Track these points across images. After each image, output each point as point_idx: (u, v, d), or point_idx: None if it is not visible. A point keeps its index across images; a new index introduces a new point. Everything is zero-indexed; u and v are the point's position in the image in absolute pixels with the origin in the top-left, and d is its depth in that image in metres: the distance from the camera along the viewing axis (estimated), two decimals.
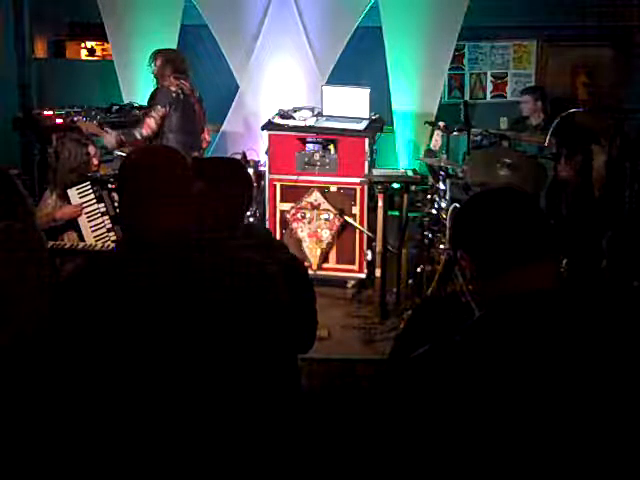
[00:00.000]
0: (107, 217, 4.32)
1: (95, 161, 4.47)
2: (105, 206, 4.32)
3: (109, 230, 4.30)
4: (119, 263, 1.79)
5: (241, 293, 1.78)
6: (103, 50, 7.66)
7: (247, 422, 1.75)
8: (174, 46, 6.85)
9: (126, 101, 6.55)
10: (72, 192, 4.29)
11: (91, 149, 4.45)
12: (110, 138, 5.32)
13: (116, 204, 4.21)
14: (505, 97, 7.66)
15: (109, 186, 4.30)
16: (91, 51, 7.73)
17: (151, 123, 5.30)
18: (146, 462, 1.70)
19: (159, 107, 5.32)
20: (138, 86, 6.87)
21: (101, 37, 7.33)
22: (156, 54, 5.47)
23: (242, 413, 1.75)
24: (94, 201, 4.31)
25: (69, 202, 4.30)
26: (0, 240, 2.54)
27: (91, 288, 1.73)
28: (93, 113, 5.84)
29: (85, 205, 4.30)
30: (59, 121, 5.69)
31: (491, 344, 1.37)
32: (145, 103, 6.25)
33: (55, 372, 1.78)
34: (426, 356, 1.41)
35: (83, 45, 7.72)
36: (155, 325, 1.70)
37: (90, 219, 4.30)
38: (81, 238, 4.30)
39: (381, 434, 1.42)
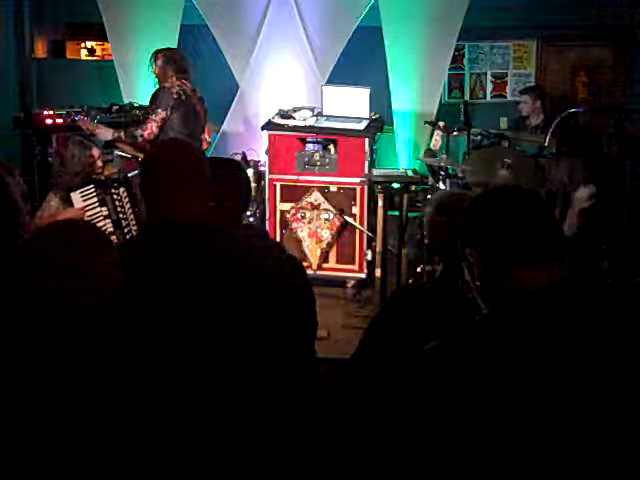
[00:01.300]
0: (109, 220, 4.32)
1: (100, 163, 4.46)
2: (107, 210, 4.32)
3: (111, 233, 4.30)
4: (142, 248, 1.82)
5: (252, 277, 1.80)
6: (103, 50, 7.65)
7: (252, 411, 1.76)
8: (174, 46, 6.86)
9: (126, 101, 6.55)
10: (75, 195, 4.29)
11: (95, 151, 4.44)
12: (105, 133, 5.33)
13: (119, 209, 4.21)
14: (505, 97, 7.66)
15: (112, 190, 4.29)
16: (91, 51, 7.72)
17: (153, 127, 5.28)
18: (154, 456, 1.70)
19: (160, 110, 5.30)
20: (138, 86, 6.87)
21: (101, 37, 7.33)
22: (157, 53, 5.45)
23: (247, 400, 1.75)
24: (97, 204, 4.31)
25: (72, 205, 4.30)
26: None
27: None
28: (93, 113, 5.84)
29: (88, 208, 4.30)
30: (59, 121, 5.68)
31: (500, 341, 1.38)
32: (145, 103, 6.26)
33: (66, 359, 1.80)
34: (435, 352, 1.42)
35: (83, 45, 7.71)
36: (173, 309, 1.71)
37: (92, 222, 4.30)
38: None
39: (387, 429, 1.42)
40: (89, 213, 4.31)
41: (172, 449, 1.71)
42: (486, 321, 1.45)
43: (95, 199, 4.32)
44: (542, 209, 1.53)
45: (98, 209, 4.32)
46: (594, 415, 1.34)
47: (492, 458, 1.32)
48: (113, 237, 4.29)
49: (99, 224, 4.31)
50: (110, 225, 4.32)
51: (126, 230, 4.15)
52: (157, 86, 5.51)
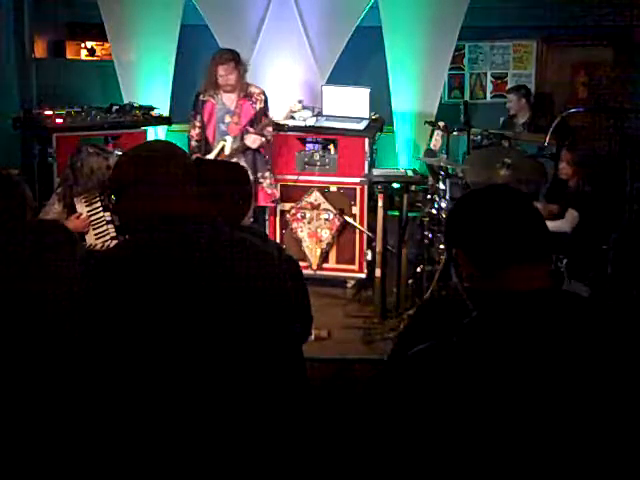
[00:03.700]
0: (112, 226, 4.32)
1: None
2: (111, 215, 4.32)
3: (112, 238, 4.30)
4: (141, 245, 1.81)
5: (245, 274, 1.80)
6: (103, 50, 7.65)
7: (250, 409, 1.76)
8: (174, 46, 6.87)
9: (126, 101, 6.53)
10: (79, 200, 4.30)
11: (111, 160, 4.36)
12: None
13: None
14: (505, 97, 7.66)
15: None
16: (91, 51, 7.72)
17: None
18: (150, 453, 1.70)
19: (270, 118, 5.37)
20: (138, 86, 6.88)
21: (101, 37, 7.33)
22: (236, 60, 5.35)
23: (241, 398, 1.75)
24: (100, 209, 4.31)
25: (75, 210, 4.29)
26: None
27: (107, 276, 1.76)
28: (93, 113, 5.84)
29: (91, 213, 4.30)
30: (59, 121, 5.68)
31: (488, 344, 1.37)
32: (145, 103, 6.26)
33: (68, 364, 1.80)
34: (423, 355, 1.41)
35: (83, 45, 7.71)
36: (166, 310, 1.71)
37: (95, 227, 4.30)
38: (81, 239, 4.31)
39: (377, 432, 1.42)
40: (92, 218, 4.31)
41: (165, 448, 1.71)
42: (475, 324, 1.43)
43: (99, 204, 4.32)
44: (529, 209, 1.50)
45: (101, 214, 4.32)
46: (585, 419, 1.33)
47: (483, 461, 1.32)
48: (115, 242, 4.28)
49: (101, 228, 4.31)
50: (112, 230, 4.32)
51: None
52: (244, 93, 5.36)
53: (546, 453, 1.31)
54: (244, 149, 5.22)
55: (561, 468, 1.31)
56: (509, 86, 7.65)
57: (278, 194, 5.54)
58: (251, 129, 5.24)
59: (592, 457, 1.32)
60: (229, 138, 5.24)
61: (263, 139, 5.24)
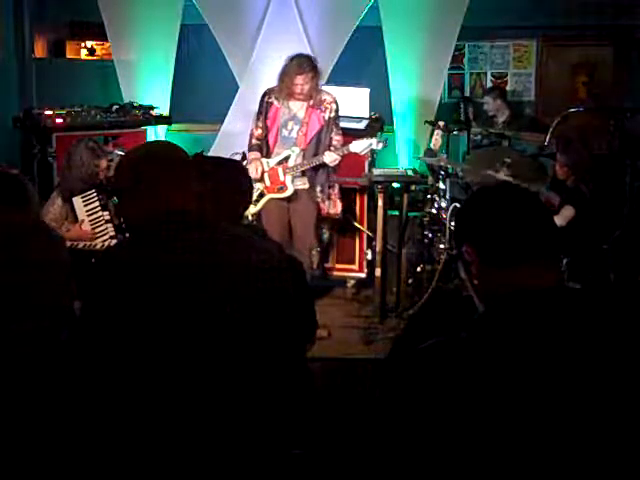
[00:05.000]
0: (111, 225, 4.32)
1: (102, 175, 4.34)
2: (109, 214, 4.32)
3: (112, 237, 4.31)
4: (130, 250, 1.82)
5: (250, 275, 1.80)
6: (103, 50, 7.65)
7: (249, 408, 1.76)
8: (174, 45, 6.87)
9: (126, 101, 6.55)
10: (77, 200, 4.29)
11: (103, 163, 4.34)
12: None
13: None
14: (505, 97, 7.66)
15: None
16: (91, 51, 7.71)
17: None
18: (150, 455, 1.70)
19: None
20: (138, 86, 6.88)
21: (101, 37, 7.33)
22: (315, 69, 4.87)
23: (243, 398, 1.75)
24: (99, 209, 4.31)
25: (73, 208, 4.30)
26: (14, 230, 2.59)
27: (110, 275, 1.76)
28: (93, 113, 5.84)
29: (90, 212, 4.30)
30: (59, 121, 5.69)
31: (497, 341, 1.37)
32: (145, 102, 6.26)
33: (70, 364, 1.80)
34: (431, 351, 1.41)
35: (83, 45, 7.71)
36: (166, 310, 1.72)
37: (94, 226, 4.30)
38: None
39: (385, 428, 1.42)
40: (91, 217, 4.31)
41: (168, 450, 1.71)
42: (484, 320, 1.43)
43: (97, 203, 4.32)
44: (540, 207, 1.52)
45: (100, 213, 4.32)
46: (597, 415, 1.33)
47: (491, 458, 1.32)
48: (114, 241, 4.29)
49: (101, 228, 4.32)
50: (112, 229, 4.32)
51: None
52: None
53: (558, 447, 1.31)
54: (311, 166, 4.85)
55: (571, 463, 1.31)
56: (509, 86, 7.67)
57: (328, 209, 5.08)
58: (332, 148, 4.83)
59: (603, 453, 1.32)
60: (296, 149, 4.88)
61: (340, 157, 4.81)
